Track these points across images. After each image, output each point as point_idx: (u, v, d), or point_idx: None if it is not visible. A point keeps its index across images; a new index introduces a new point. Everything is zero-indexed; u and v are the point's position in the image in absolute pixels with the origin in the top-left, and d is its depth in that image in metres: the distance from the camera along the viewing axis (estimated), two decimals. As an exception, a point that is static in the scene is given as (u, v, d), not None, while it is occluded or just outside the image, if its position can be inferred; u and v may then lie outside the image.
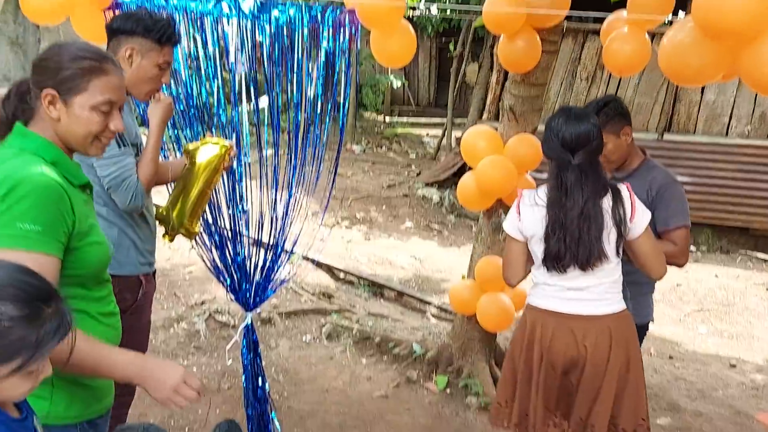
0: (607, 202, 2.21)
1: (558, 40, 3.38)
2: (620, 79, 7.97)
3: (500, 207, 3.53)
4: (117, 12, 2.53)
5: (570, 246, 2.18)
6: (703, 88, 7.84)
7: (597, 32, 8.15)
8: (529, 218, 2.27)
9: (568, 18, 8.77)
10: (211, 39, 2.80)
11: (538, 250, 2.28)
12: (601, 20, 3.17)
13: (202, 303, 4.62)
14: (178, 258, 5.45)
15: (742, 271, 7.15)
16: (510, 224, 2.33)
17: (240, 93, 2.81)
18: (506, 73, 7.30)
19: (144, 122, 2.62)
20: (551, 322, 2.29)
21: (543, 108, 3.69)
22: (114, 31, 2.15)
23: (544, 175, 2.33)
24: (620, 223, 2.20)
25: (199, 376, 3.78)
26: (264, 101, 2.82)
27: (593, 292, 2.26)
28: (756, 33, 1.96)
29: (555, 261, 2.22)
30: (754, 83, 2.11)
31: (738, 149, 7.64)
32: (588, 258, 2.19)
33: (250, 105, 2.90)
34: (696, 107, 7.92)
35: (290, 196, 2.90)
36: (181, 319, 4.32)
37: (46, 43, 12.04)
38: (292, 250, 3.04)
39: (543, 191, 2.27)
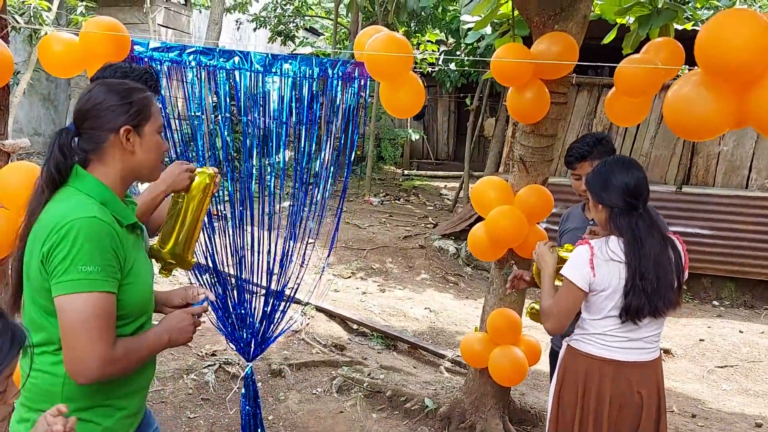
0: (670, 252, 2.25)
1: (567, 91, 3.39)
2: (636, 133, 7.97)
3: (512, 257, 3.49)
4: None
5: (651, 297, 2.20)
6: (720, 141, 7.80)
7: (612, 86, 8.18)
8: (604, 274, 2.24)
9: (584, 72, 8.80)
10: (223, 91, 2.87)
11: (608, 302, 2.27)
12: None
13: (213, 354, 4.58)
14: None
15: (768, 326, 6.94)
16: (580, 277, 2.26)
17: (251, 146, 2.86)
18: (522, 126, 7.31)
19: None
20: (609, 371, 2.30)
21: (554, 159, 3.69)
22: (95, 81, 2.25)
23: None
24: (680, 273, 2.26)
25: (206, 429, 3.71)
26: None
27: (650, 341, 2.32)
28: (761, 70, 1.95)
29: (634, 313, 2.22)
30: (764, 127, 2.08)
31: (759, 202, 7.52)
32: (664, 307, 2.23)
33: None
34: (714, 160, 7.86)
35: (293, 243, 2.91)
36: (191, 371, 4.27)
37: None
38: (291, 298, 3.03)
39: (615, 244, 2.25)
